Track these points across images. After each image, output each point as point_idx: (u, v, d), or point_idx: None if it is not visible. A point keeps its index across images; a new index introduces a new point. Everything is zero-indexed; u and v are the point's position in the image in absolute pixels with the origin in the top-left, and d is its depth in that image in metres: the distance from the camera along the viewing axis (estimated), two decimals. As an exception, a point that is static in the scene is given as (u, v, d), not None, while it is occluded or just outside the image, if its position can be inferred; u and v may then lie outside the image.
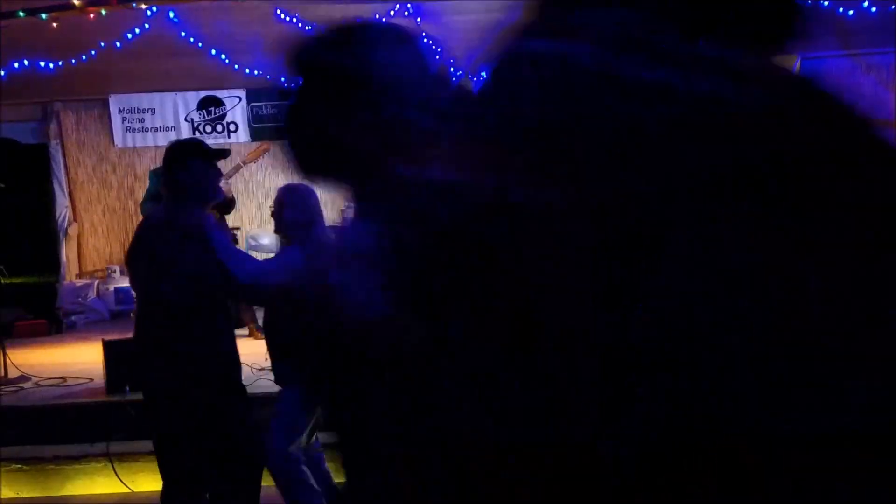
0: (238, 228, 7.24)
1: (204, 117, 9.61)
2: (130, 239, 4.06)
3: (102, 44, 9.04)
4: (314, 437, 4.30)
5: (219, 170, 4.00)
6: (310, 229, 3.97)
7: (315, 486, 4.09)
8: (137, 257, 3.89)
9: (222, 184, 7.12)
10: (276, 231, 4.16)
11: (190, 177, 3.77)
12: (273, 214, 4.12)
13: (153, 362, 3.81)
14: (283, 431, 4.04)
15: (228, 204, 7.57)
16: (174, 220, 3.75)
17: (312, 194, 4.07)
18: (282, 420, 4.07)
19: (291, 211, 4.00)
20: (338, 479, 4.32)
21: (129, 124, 9.64)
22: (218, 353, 3.80)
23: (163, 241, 3.73)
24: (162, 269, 3.71)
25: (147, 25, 8.99)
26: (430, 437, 0.98)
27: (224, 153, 4.26)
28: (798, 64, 9.00)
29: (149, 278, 3.81)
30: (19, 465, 5.40)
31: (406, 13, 8.97)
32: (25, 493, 5.38)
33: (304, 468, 4.08)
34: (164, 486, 3.94)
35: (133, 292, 4.10)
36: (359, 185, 1.56)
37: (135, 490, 5.09)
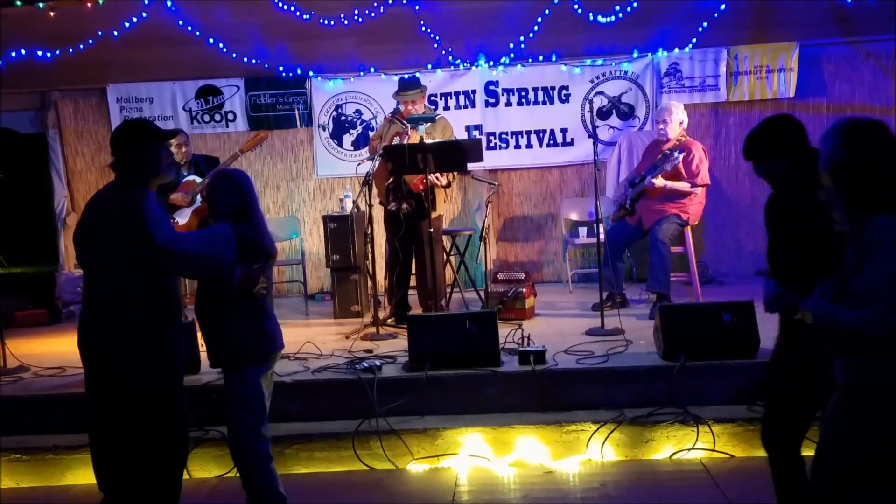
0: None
1: (202, 106, 9.59)
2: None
3: (100, 33, 9.04)
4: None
5: (169, 150, 4.11)
6: (243, 213, 4.01)
7: (283, 492, 4.04)
8: (84, 234, 3.93)
9: (225, 163, 7.23)
10: (210, 215, 4.17)
11: (140, 156, 3.90)
12: (205, 199, 4.13)
13: (93, 342, 3.87)
14: (249, 420, 3.97)
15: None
16: (122, 197, 3.81)
17: (245, 179, 4.12)
18: (238, 409, 3.99)
19: (223, 195, 4.03)
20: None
21: (128, 113, 9.61)
22: (153, 335, 3.85)
23: (110, 218, 3.80)
24: (108, 247, 3.79)
25: (145, 14, 8.99)
26: None
27: (174, 133, 4.33)
28: (797, 51, 9.00)
29: (94, 256, 3.86)
30: (19, 455, 5.41)
31: (404, 1, 8.95)
32: (25, 483, 5.39)
33: (273, 468, 4.05)
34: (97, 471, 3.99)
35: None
36: None
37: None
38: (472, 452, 5.27)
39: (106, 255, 3.80)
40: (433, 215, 7.11)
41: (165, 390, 3.92)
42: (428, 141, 6.99)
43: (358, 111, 9.60)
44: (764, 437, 3.73)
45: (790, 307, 3.07)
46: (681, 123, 7.41)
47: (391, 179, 7.12)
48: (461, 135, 8.81)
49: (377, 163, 7.04)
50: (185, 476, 5.13)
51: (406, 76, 7.57)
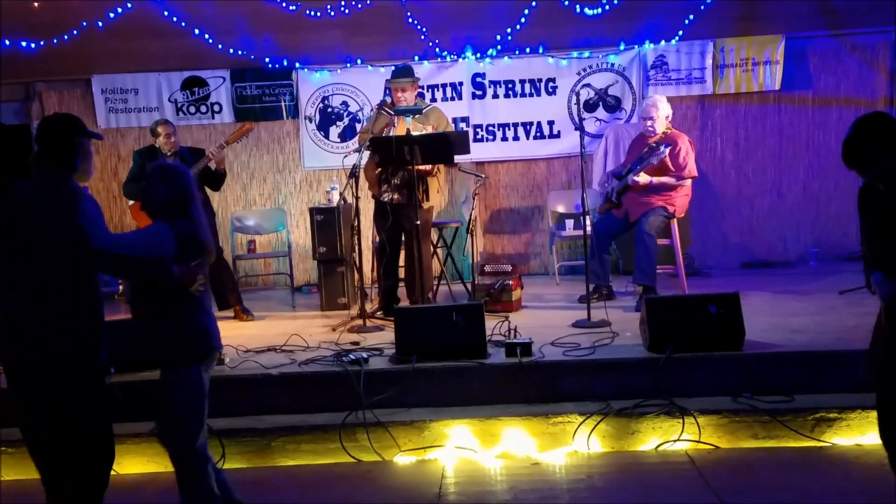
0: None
1: (188, 98, 9.55)
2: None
3: (85, 23, 8.97)
4: None
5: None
6: (178, 207, 3.93)
7: (216, 490, 3.97)
8: (11, 228, 3.74)
9: (214, 150, 7.20)
10: (143, 208, 4.07)
11: (86, 149, 3.89)
12: (141, 192, 4.05)
13: (11, 338, 3.75)
14: (188, 421, 3.90)
15: (220, 176, 7.52)
16: (61, 191, 3.71)
17: (182, 174, 4.03)
18: (183, 408, 3.90)
19: (159, 188, 3.94)
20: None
21: (112, 105, 9.58)
22: (78, 331, 3.75)
23: (48, 212, 3.68)
24: (42, 241, 3.66)
25: (129, 5, 8.93)
26: None
27: (98, 137, 4.26)
28: (783, 44, 9.03)
29: (24, 250, 3.70)
30: (4, 448, 5.39)
31: (391, -7, 8.92)
32: (11, 476, 5.37)
33: (209, 468, 3.97)
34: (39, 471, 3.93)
35: None
36: None
37: (120, 472, 5.08)
38: (459, 444, 5.27)
39: (39, 249, 3.67)
40: (426, 206, 7.10)
41: (92, 382, 3.82)
42: (417, 132, 6.98)
43: (345, 103, 9.58)
44: (883, 432, 3.73)
45: None
46: (667, 117, 7.42)
47: (379, 169, 7.10)
48: (448, 127, 8.82)
49: (364, 155, 7.02)
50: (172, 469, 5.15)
51: (400, 65, 7.55)
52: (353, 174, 6.89)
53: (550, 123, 9.45)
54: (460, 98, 9.42)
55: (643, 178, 7.18)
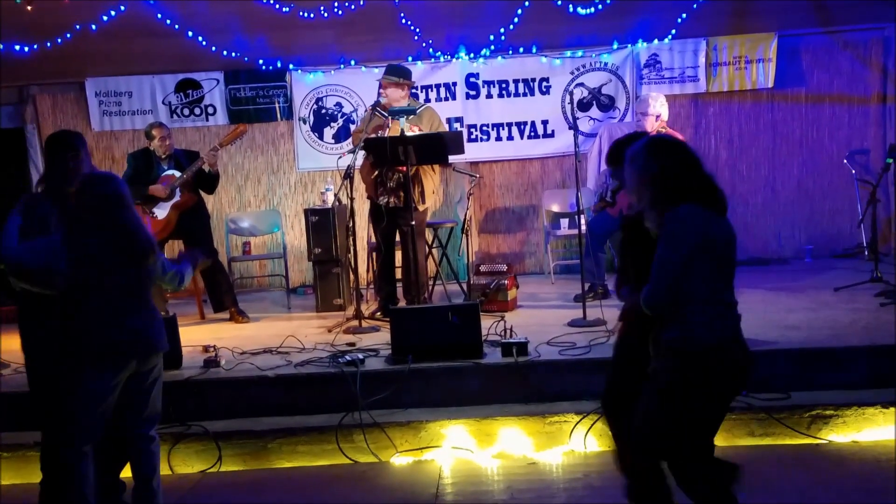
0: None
1: (182, 100, 9.54)
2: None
3: (78, 26, 8.94)
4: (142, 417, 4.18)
5: None
6: (108, 216, 3.97)
7: (88, 496, 3.99)
8: None
9: (208, 153, 7.14)
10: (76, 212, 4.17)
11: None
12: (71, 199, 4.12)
13: None
14: (69, 424, 3.94)
15: (214, 179, 7.51)
16: None
17: (112, 182, 4.08)
18: (67, 411, 3.94)
19: (89, 198, 3.99)
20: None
21: (106, 107, 9.56)
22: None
23: None
24: None
25: (123, 7, 8.90)
26: None
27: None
28: (775, 41, 9.04)
29: None
30: (3, 453, 5.37)
31: (385, -6, 8.91)
32: (6, 481, 5.35)
33: (82, 471, 3.97)
34: None
35: None
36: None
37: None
38: (456, 445, 5.27)
39: None
40: (421, 208, 7.09)
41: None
42: (412, 132, 6.97)
43: (339, 104, 9.57)
44: (605, 402, 4.16)
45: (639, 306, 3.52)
46: (657, 117, 7.41)
47: (376, 172, 7.10)
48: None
49: (359, 155, 7.01)
50: (168, 472, 5.15)
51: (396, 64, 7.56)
52: (348, 175, 6.88)
53: (544, 123, 9.45)
54: (454, 98, 9.42)
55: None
